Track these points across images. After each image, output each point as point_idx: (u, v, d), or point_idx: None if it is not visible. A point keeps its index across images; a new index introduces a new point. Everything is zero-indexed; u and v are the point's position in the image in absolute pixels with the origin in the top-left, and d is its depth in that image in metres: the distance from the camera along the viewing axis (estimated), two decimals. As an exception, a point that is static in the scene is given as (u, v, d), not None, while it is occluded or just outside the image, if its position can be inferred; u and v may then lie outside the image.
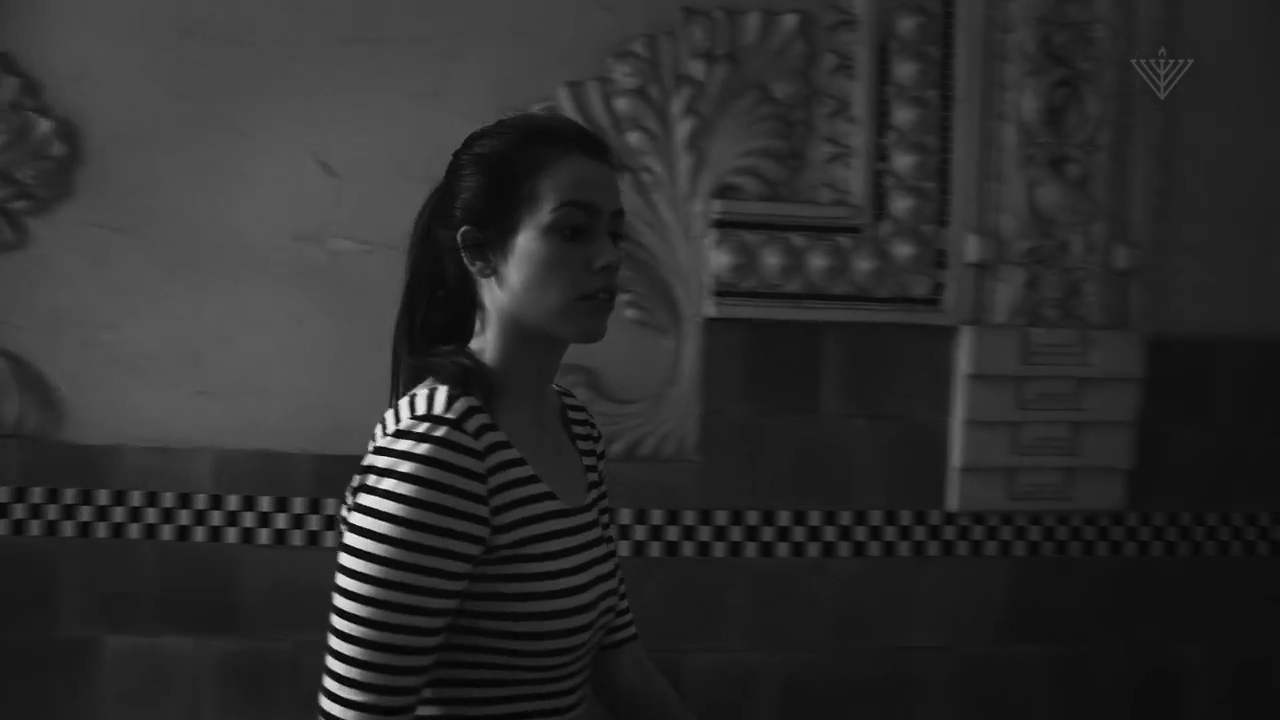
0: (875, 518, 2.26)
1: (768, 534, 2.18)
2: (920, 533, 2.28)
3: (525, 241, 1.09)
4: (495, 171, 1.11)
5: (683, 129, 2.13)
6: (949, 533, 2.30)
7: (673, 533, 2.14)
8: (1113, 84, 2.32)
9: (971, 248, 2.27)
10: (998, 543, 2.33)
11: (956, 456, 2.29)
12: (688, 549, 2.15)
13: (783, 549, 2.20)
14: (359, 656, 0.98)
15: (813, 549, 2.21)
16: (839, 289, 2.21)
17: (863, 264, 2.21)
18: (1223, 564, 2.50)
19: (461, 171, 1.13)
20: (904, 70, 2.22)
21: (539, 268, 1.08)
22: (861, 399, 2.25)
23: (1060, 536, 2.38)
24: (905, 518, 2.27)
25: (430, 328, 1.15)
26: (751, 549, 2.18)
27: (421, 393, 1.06)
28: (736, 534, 2.17)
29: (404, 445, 0.99)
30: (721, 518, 2.16)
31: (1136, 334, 2.37)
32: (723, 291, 2.14)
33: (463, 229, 1.11)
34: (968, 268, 2.29)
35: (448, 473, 0.98)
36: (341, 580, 0.99)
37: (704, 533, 2.15)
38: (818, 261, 2.18)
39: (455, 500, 0.98)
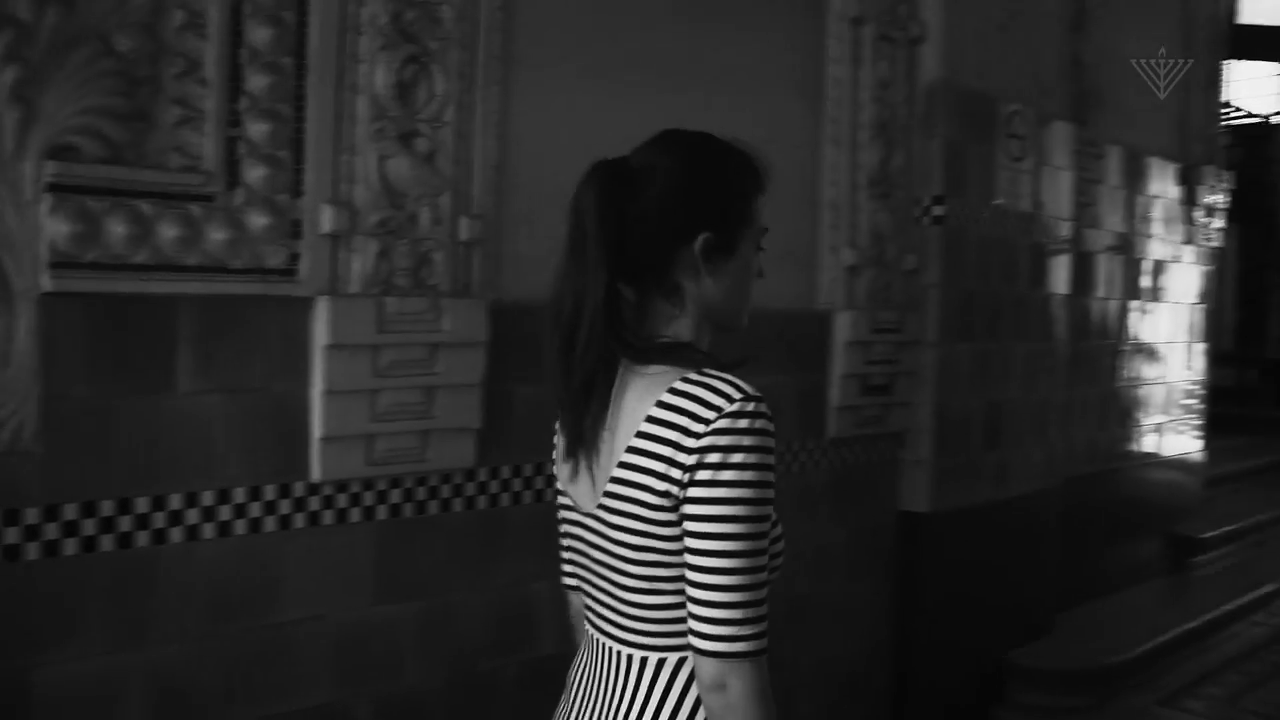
0: (239, 495, 2.36)
1: (125, 523, 2.18)
2: (286, 506, 2.43)
3: (743, 251, 1.46)
4: (741, 188, 1.47)
5: (6, 77, 2.00)
6: (314, 503, 2.48)
7: (13, 535, 2.04)
8: (457, 64, 2.63)
9: (326, 219, 2.44)
10: (361, 508, 2.56)
11: (317, 427, 2.47)
12: (32, 551, 2.07)
13: (143, 538, 2.21)
14: (754, 597, 1.30)
15: (176, 534, 2.26)
16: (192, 260, 2.24)
17: (216, 234, 2.27)
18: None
19: (697, 173, 1.44)
20: (258, 34, 2.30)
21: (747, 275, 1.48)
22: (218, 374, 2.33)
23: (419, 497, 2.68)
24: (270, 492, 2.40)
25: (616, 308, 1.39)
26: (108, 542, 2.16)
27: (707, 376, 1.34)
28: (90, 527, 2.14)
29: (746, 422, 1.29)
30: (71, 511, 2.12)
31: (481, 301, 2.74)
32: (61, 263, 2.07)
33: (705, 235, 1.42)
34: (322, 238, 2.46)
35: (771, 437, 1.31)
36: (734, 544, 1.29)
37: (51, 530, 2.09)
38: (168, 231, 2.20)
39: (774, 456, 1.32)
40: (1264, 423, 8.55)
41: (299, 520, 2.46)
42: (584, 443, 1.42)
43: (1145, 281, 5.62)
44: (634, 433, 1.35)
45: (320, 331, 2.46)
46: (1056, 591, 4.84)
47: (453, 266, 2.68)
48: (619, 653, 1.45)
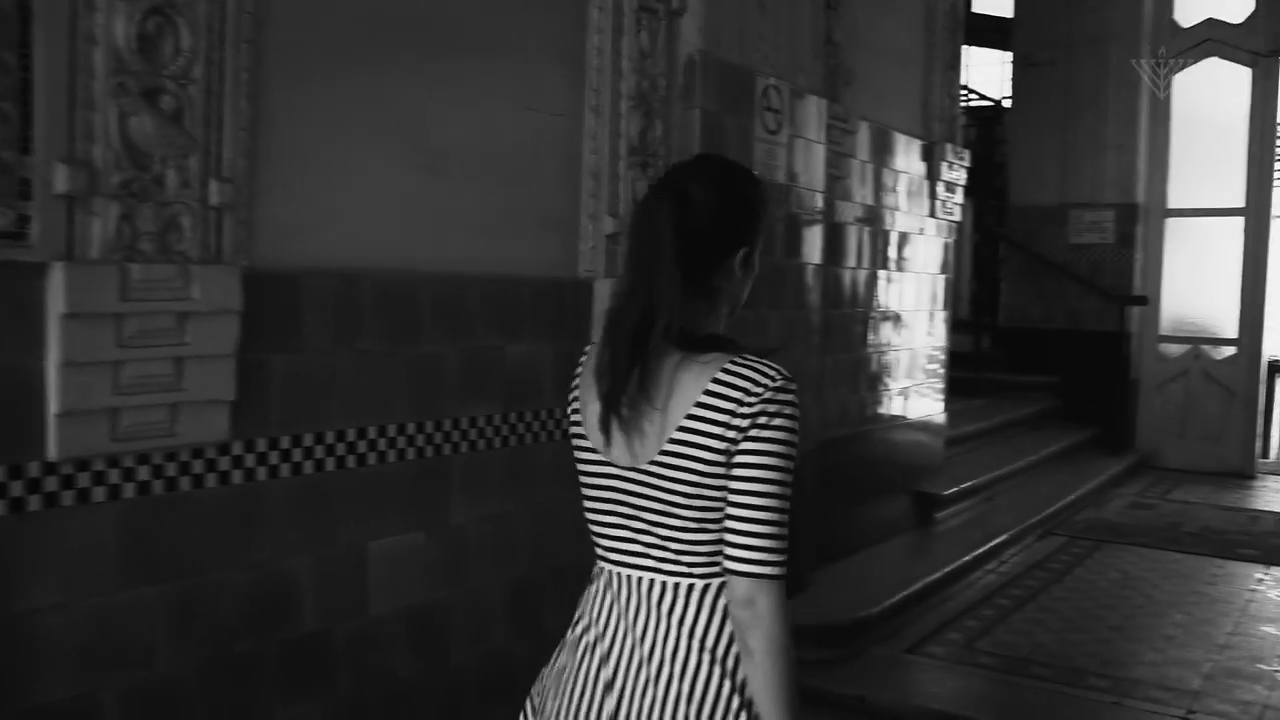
0: (-36, 477, 2.21)
1: None
2: (18, 488, 2.28)
3: (755, 259, 1.83)
4: (764, 210, 1.84)
5: None
6: (51, 483, 2.33)
7: None
8: (205, 17, 2.50)
9: (60, 178, 2.29)
10: (106, 487, 2.43)
11: (54, 401, 2.32)
12: None
13: None
14: (781, 532, 1.65)
15: (-110, 520, 2.10)
16: (-96, 221, 2.08)
17: (-70, 193, 2.12)
18: (319, 480, 2.93)
19: (741, 202, 1.79)
20: (-25, -23, 2.14)
21: (753, 276, 1.84)
22: (-62, 345, 2.18)
23: (170, 473, 2.56)
24: (0, 474, 2.26)
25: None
26: None
27: (750, 361, 1.68)
28: None
29: (786, 396, 1.65)
30: None
31: (233, 268, 2.63)
32: None
33: (744, 249, 1.79)
34: (57, 200, 2.30)
35: (798, 409, 1.68)
36: (771, 487, 1.63)
37: None
38: (-125, 189, 2.04)
39: (799, 424, 1.69)
40: (996, 386, 9.17)
41: (34, 502, 2.31)
42: (639, 413, 1.72)
43: (892, 252, 5.95)
44: (692, 403, 1.68)
45: (56, 299, 2.31)
46: (813, 550, 5.08)
47: (202, 232, 2.56)
48: (662, 582, 1.75)
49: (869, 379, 5.80)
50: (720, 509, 1.68)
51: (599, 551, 1.84)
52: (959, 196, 6.58)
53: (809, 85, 4.77)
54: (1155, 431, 9.33)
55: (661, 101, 3.97)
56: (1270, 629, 5.21)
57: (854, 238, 5.53)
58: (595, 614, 1.82)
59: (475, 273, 3.36)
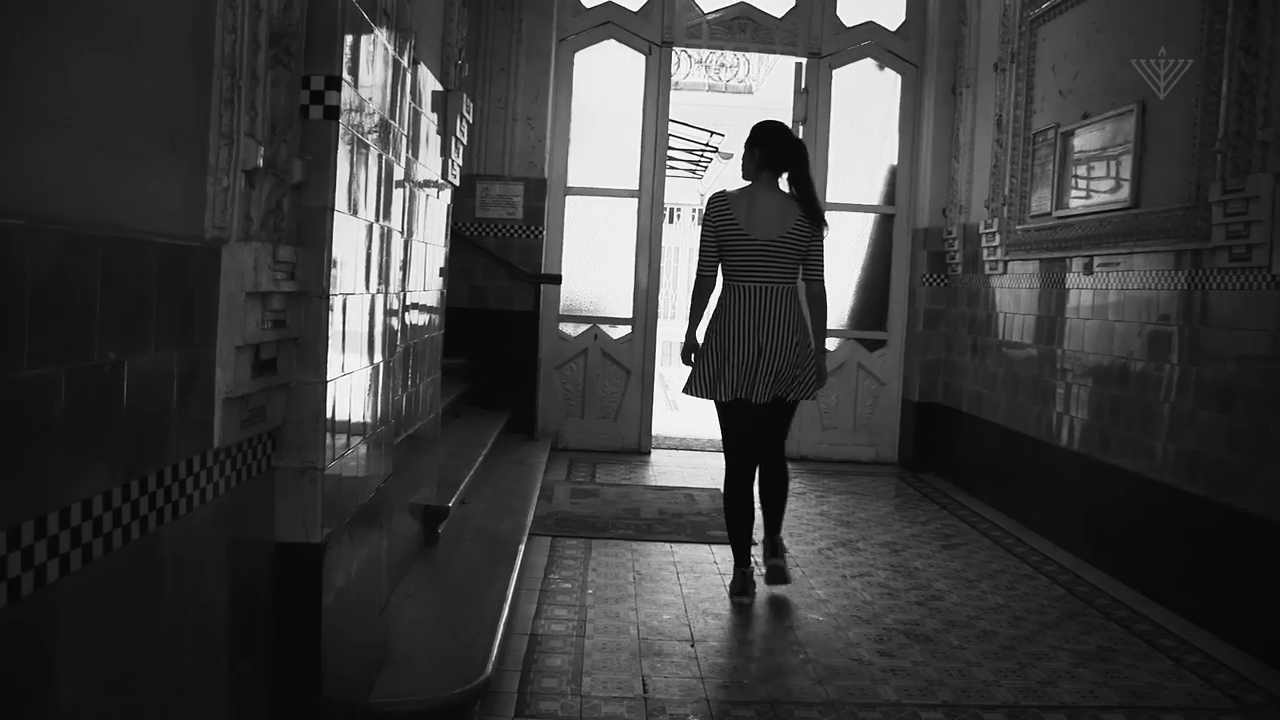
0: None
1: None
2: None
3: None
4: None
5: None
6: None
7: None
8: None
9: None
10: None
11: None
12: None
13: None
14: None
15: None
16: None
17: None
18: None
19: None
20: None
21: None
22: None
23: None
24: None
25: None
26: None
27: (808, 207, 5.12)
28: None
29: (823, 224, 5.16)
30: None
31: None
32: None
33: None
34: None
35: None
36: (822, 251, 5.02)
37: None
38: None
39: None
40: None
41: None
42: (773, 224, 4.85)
43: (416, 220, 4.65)
44: (795, 219, 4.84)
45: None
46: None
47: None
48: (779, 288, 4.79)
49: (412, 377, 4.49)
50: (801, 260, 4.86)
51: (740, 281, 4.78)
52: (460, 159, 5.42)
53: (403, -12, 3.41)
54: (557, 413, 8.97)
55: (299, -35, 2.44)
56: (814, 615, 4.90)
57: (422, 203, 4.20)
58: (740, 304, 4.76)
59: (93, 224, 1.69)
